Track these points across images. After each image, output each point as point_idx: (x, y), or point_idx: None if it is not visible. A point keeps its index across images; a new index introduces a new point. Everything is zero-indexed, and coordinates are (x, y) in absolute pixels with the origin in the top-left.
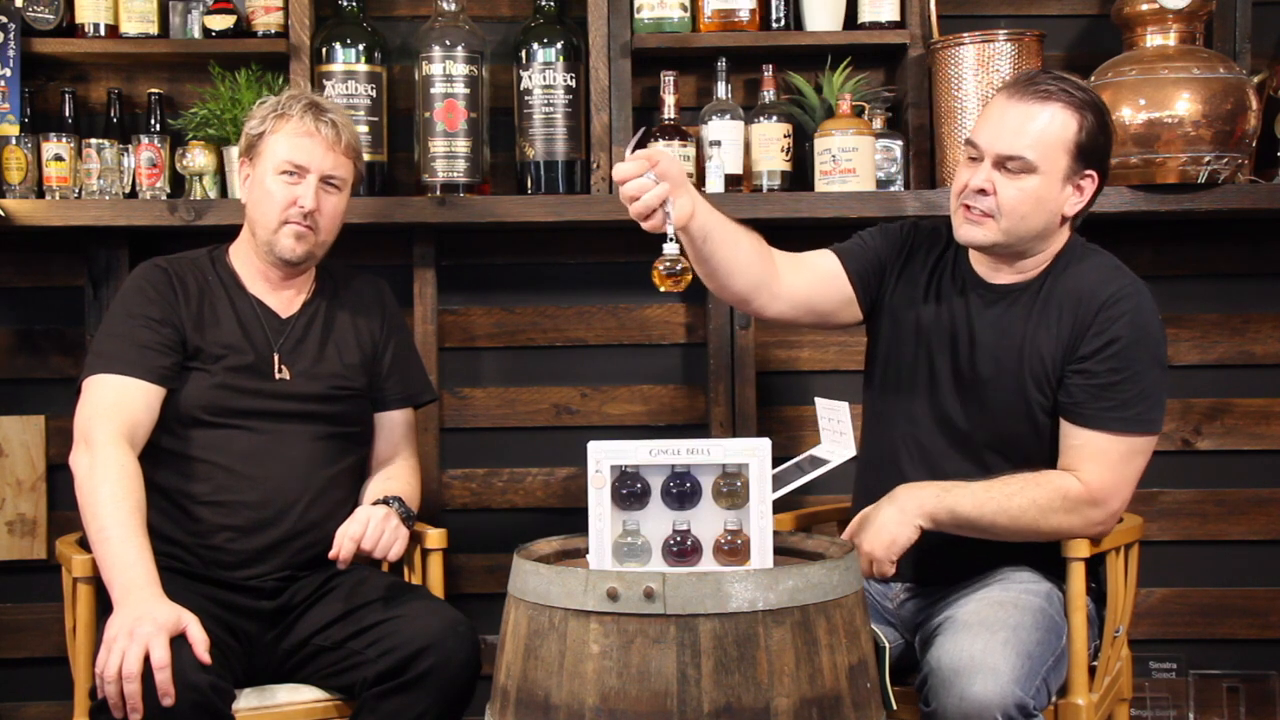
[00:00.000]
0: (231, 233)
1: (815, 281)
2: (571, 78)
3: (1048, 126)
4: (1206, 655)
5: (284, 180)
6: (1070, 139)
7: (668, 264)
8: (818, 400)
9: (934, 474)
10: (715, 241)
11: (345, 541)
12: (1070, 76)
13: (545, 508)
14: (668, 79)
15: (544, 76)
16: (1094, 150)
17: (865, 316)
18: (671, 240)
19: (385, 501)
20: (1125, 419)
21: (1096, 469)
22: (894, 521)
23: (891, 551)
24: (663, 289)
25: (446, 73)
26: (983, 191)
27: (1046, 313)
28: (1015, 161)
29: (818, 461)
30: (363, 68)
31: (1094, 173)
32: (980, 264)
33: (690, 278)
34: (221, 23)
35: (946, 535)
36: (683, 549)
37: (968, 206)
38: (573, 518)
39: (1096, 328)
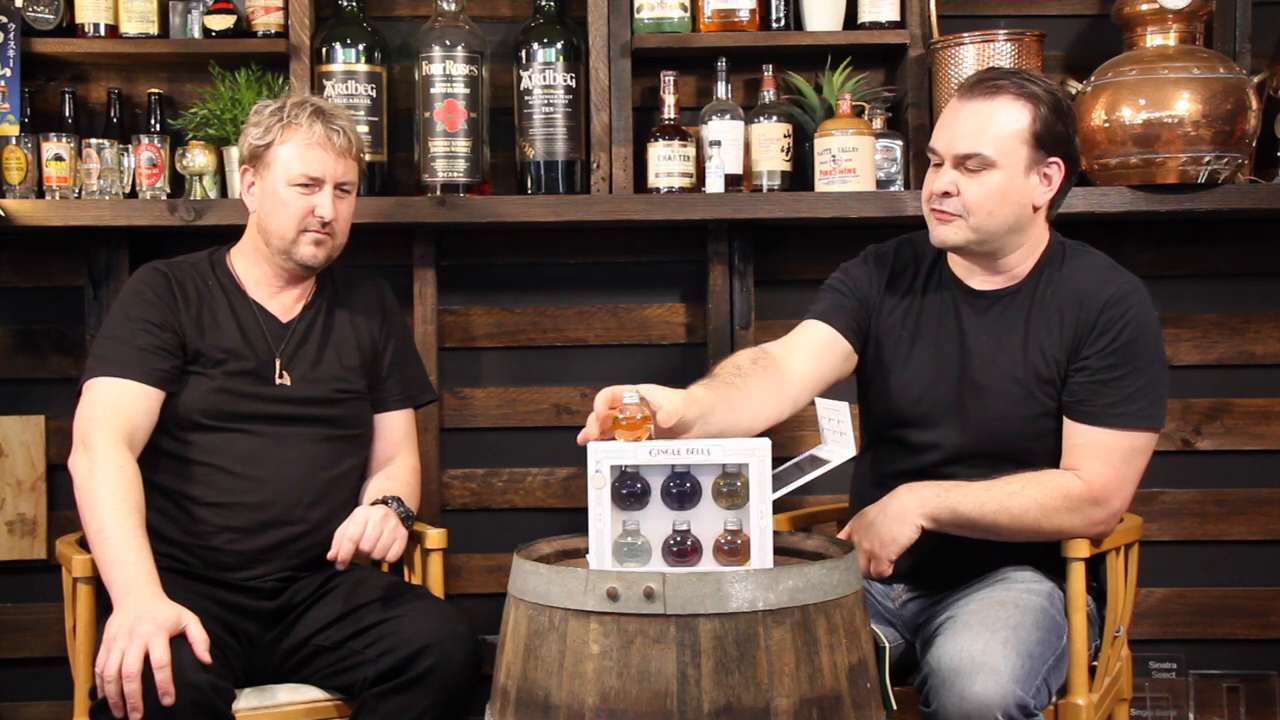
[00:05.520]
0: (231, 233)
1: (816, 360)
2: (571, 78)
3: (1000, 120)
4: (1206, 655)
5: (298, 191)
6: (1024, 129)
7: (626, 414)
8: (818, 400)
9: (931, 473)
10: (718, 414)
11: (344, 542)
12: (1026, 70)
13: (545, 508)
14: (668, 79)
15: (544, 76)
16: (1053, 138)
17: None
18: (630, 390)
19: (384, 502)
20: (1126, 414)
21: (1098, 466)
22: (894, 521)
23: (890, 551)
24: (620, 439)
25: (446, 73)
26: (947, 194)
27: (1047, 315)
28: (973, 159)
29: (818, 461)
30: (363, 68)
31: (1059, 159)
32: (965, 271)
33: (650, 427)
34: (221, 23)
35: (947, 535)
36: (683, 549)
37: (936, 210)
38: (573, 518)
39: (1100, 328)
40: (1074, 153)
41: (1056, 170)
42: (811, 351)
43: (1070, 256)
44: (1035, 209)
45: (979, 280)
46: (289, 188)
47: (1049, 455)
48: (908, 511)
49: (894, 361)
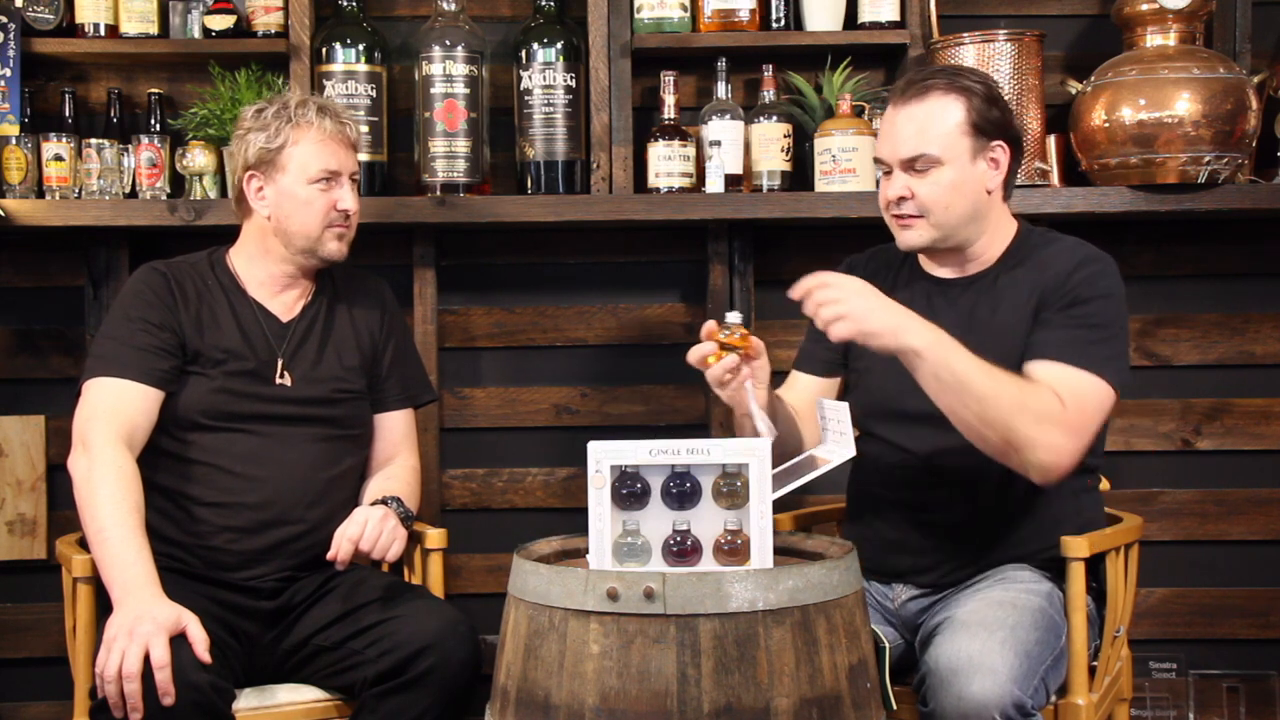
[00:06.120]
0: (231, 232)
1: (811, 409)
2: (571, 78)
3: (937, 118)
4: (1206, 655)
5: (319, 188)
6: (961, 120)
7: (725, 331)
8: (818, 400)
9: (927, 470)
10: (781, 421)
11: (343, 543)
12: (952, 66)
13: (545, 508)
14: (668, 79)
15: (544, 76)
16: (991, 124)
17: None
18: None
19: (384, 502)
20: (1084, 356)
21: (1066, 396)
22: (891, 322)
23: (855, 325)
24: (717, 359)
25: (446, 73)
26: (902, 199)
27: (1016, 294)
28: (919, 160)
29: (818, 461)
30: (363, 68)
31: (1001, 142)
32: (934, 266)
33: (750, 343)
34: (221, 23)
35: (948, 534)
36: (683, 549)
37: (897, 216)
38: (573, 518)
39: (1060, 291)
40: (1014, 134)
41: (1002, 152)
42: (806, 403)
43: (1042, 243)
44: (989, 192)
45: (949, 270)
46: (309, 186)
47: None
48: (906, 334)
49: (872, 360)
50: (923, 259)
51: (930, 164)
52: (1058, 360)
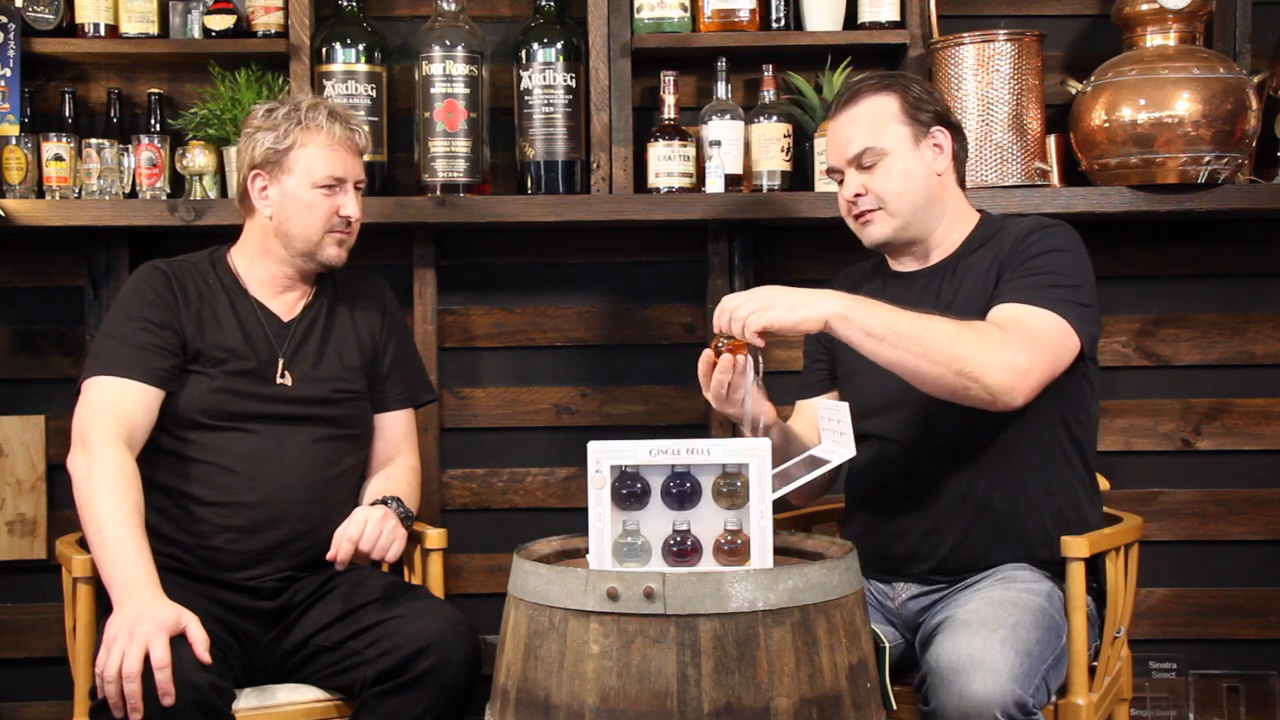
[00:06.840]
0: (231, 233)
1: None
2: (571, 78)
3: (872, 113)
4: (1206, 655)
5: (323, 193)
6: (895, 111)
7: (723, 342)
8: (818, 400)
9: (918, 454)
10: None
11: (343, 543)
12: (880, 71)
13: (545, 508)
14: (668, 79)
15: (544, 76)
16: (926, 112)
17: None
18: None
19: (384, 502)
20: (1033, 295)
21: (1012, 326)
22: (805, 296)
23: (772, 316)
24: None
25: (446, 73)
26: (858, 195)
27: (979, 268)
28: (865, 155)
29: (817, 461)
30: (363, 68)
31: (941, 127)
32: (899, 262)
33: (744, 350)
34: (221, 23)
35: (948, 534)
36: (683, 549)
37: (856, 216)
38: (573, 518)
39: (1018, 253)
40: (953, 121)
41: (943, 136)
42: (815, 428)
43: (1002, 225)
44: (939, 175)
45: (913, 263)
46: (313, 190)
47: (1015, 429)
48: (820, 301)
49: (852, 360)
50: (890, 259)
51: (877, 157)
52: (1007, 302)
